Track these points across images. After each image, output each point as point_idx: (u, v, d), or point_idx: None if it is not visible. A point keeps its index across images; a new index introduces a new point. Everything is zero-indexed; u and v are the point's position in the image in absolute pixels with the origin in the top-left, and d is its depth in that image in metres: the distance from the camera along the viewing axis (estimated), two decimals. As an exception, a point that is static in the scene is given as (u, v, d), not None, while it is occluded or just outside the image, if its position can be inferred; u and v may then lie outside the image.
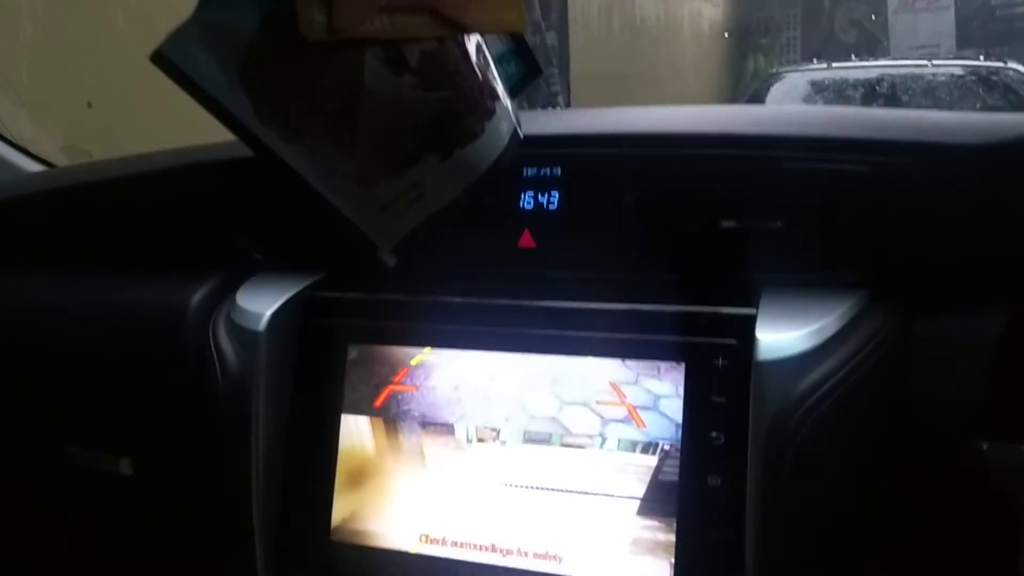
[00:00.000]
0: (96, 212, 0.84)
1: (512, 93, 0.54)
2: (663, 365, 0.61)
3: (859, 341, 0.57)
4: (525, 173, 0.69)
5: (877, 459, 0.57)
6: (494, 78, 0.50)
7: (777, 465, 0.54)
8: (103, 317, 0.79)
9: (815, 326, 0.58)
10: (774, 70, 5.91)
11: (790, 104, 4.49)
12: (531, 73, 0.56)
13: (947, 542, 0.56)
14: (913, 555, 0.56)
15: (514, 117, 0.52)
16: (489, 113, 0.49)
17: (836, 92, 4.57)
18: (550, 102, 5.31)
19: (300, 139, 0.46)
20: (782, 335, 0.57)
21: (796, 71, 5.50)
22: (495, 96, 0.50)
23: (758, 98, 4.88)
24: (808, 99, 4.64)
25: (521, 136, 0.52)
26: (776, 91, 4.92)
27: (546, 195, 0.69)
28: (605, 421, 0.62)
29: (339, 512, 0.67)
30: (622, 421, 0.62)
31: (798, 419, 0.54)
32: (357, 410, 0.68)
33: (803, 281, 0.62)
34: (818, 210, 0.62)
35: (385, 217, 0.48)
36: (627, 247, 0.67)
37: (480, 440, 0.64)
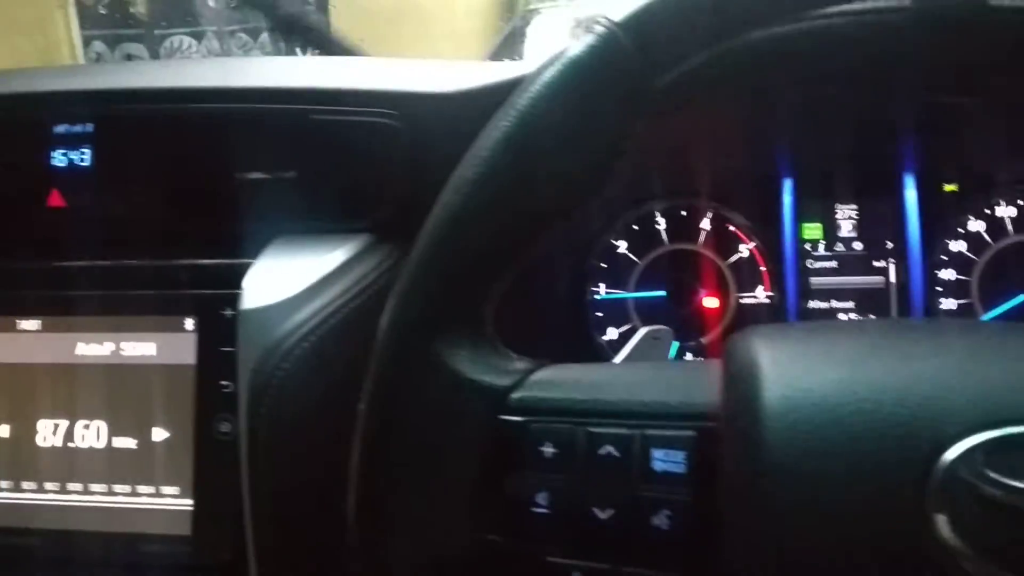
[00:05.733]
0: None
1: None
2: (181, 319, 0.62)
3: (348, 283, 0.60)
4: (55, 129, 0.68)
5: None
6: None
7: (256, 411, 0.56)
8: None
9: (305, 271, 0.60)
10: (532, 6, 5.99)
11: (549, 40, 4.57)
12: None
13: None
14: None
15: None
16: None
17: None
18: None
19: None
20: (269, 283, 0.59)
21: (555, 6, 5.61)
22: None
23: (517, 35, 4.94)
24: (573, 34, 4.73)
25: None
26: (535, 27, 5.00)
27: (78, 152, 0.68)
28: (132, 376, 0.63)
29: None
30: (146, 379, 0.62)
31: (274, 364, 0.56)
32: None
33: (316, 228, 0.64)
34: (330, 160, 0.64)
35: None
36: (154, 203, 0.66)
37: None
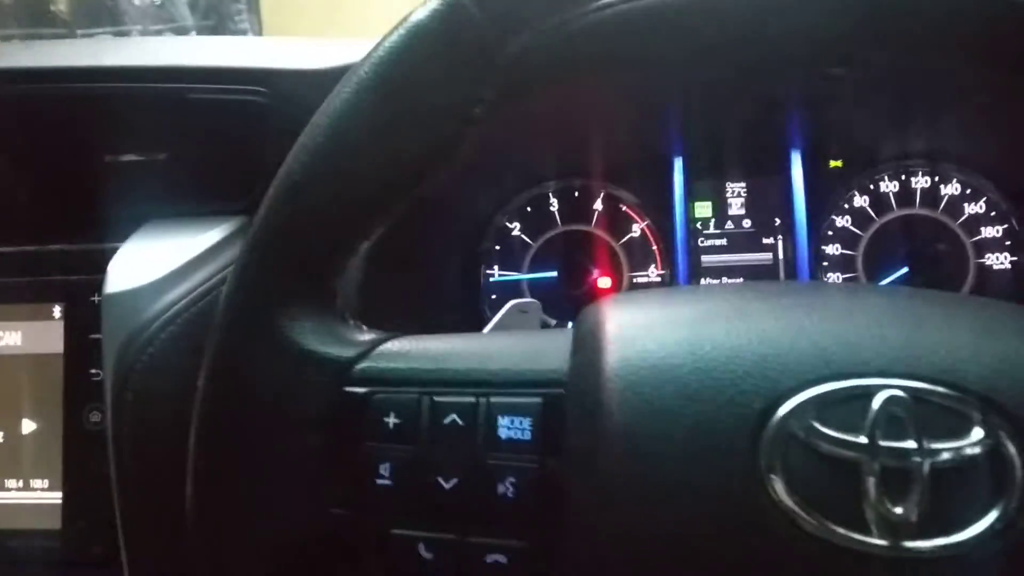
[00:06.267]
0: None
1: None
2: (48, 307, 0.60)
3: (219, 265, 0.59)
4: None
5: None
6: None
7: (121, 398, 0.55)
8: None
9: (174, 254, 0.58)
10: None
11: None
12: None
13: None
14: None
15: None
16: None
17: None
18: (236, 39, 5.06)
19: None
20: (135, 267, 0.57)
21: None
22: None
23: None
24: None
25: None
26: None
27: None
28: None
29: None
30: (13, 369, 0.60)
31: (138, 348, 0.55)
32: None
33: (189, 211, 0.62)
34: (201, 141, 0.62)
35: None
36: (21, 187, 0.64)
37: None
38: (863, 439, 0.33)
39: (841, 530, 0.32)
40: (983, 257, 0.76)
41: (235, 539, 0.39)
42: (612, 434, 0.35)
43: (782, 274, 0.77)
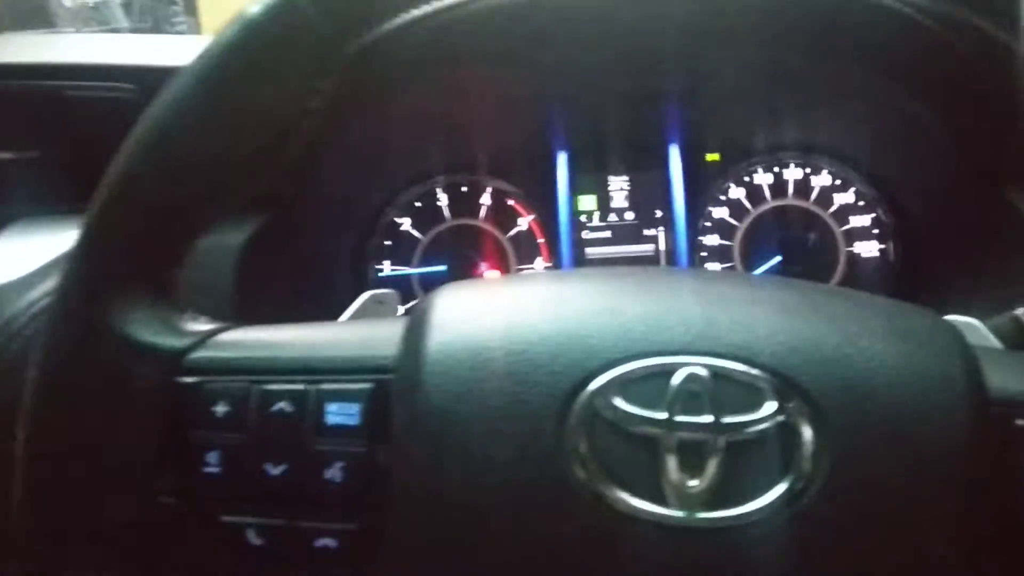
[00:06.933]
0: None
1: None
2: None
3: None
4: None
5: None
6: None
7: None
8: None
9: (40, 251, 0.58)
10: None
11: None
12: None
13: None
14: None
15: None
16: None
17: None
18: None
19: None
20: (-1, 264, 0.57)
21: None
22: None
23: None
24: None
25: None
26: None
27: None
28: None
29: None
30: None
31: (2, 345, 0.55)
32: None
33: (61, 209, 0.62)
34: (71, 138, 0.62)
35: None
36: None
37: None
38: (663, 415, 0.34)
39: (641, 503, 0.34)
40: (852, 245, 0.78)
41: (64, 529, 0.39)
42: (429, 416, 0.36)
43: (663, 265, 0.79)
